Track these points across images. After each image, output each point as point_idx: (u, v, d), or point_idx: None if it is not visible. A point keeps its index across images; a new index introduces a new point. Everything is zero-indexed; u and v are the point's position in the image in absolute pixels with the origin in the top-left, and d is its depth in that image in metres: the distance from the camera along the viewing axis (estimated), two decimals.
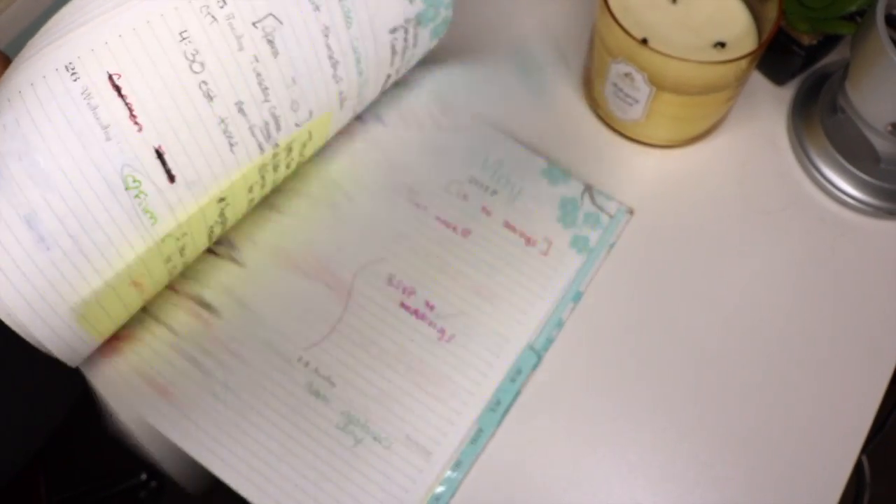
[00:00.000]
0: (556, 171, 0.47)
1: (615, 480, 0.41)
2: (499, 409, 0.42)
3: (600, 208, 0.46)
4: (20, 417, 0.55)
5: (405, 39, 0.43)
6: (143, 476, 0.79)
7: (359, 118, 0.49)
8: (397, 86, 0.50)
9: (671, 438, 0.42)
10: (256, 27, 0.35)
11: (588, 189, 0.47)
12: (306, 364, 0.42)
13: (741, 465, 0.41)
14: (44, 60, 0.32)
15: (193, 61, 0.34)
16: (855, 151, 0.46)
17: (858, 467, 0.70)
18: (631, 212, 0.47)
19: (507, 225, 0.46)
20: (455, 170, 0.47)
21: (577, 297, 0.45)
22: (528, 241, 0.45)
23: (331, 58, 0.38)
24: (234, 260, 0.45)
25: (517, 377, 0.43)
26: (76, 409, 0.45)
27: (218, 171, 0.37)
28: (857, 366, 0.43)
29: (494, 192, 0.47)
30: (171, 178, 0.35)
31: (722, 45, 0.44)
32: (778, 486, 0.41)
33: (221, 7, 0.34)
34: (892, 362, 0.43)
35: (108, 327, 0.39)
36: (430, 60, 0.51)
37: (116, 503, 0.80)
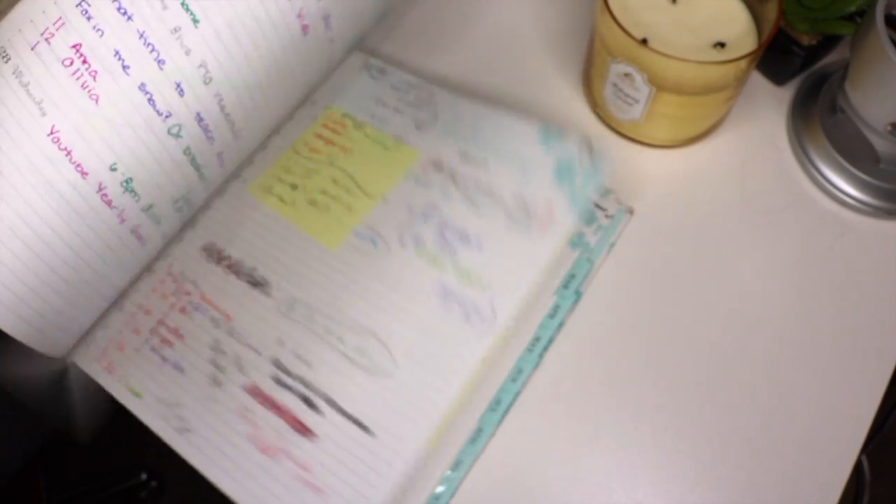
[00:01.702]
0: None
1: (615, 480, 0.41)
2: (499, 408, 0.42)
3: (598, 206, 0.46)
4: (20, 418, 0.55)
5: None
6: (144, 476, 0.79)
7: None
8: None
9: (671, 438, 0.42)
10: None
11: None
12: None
13: (741, 465, 0.41)
14: None
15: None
16: (855, 151, 0.46)
17: (858, 467, 0.70)
18: (631, 211, 0.47)
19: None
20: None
21: (578, 297, 0.45)
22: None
23: None
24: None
25: (518, 377, 0.42)
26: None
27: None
28: (856, 366, 0.43)
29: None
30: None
31: (722, 45, 0.44)
32: (778, 485, 0.41)
33: None
34: (891, 362, 0.43)
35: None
36: (428, 61, 0.51)
37: (117, 503, 0.80)
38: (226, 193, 0.46)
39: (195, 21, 0.36)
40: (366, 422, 0.40)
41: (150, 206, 0.39)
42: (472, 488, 0.41)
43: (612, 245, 0.46)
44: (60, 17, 0.33)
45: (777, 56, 0.48)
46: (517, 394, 0.42)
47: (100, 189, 0.36)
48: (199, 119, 0.39)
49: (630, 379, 0.43)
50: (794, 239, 0.46)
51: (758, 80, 0.51)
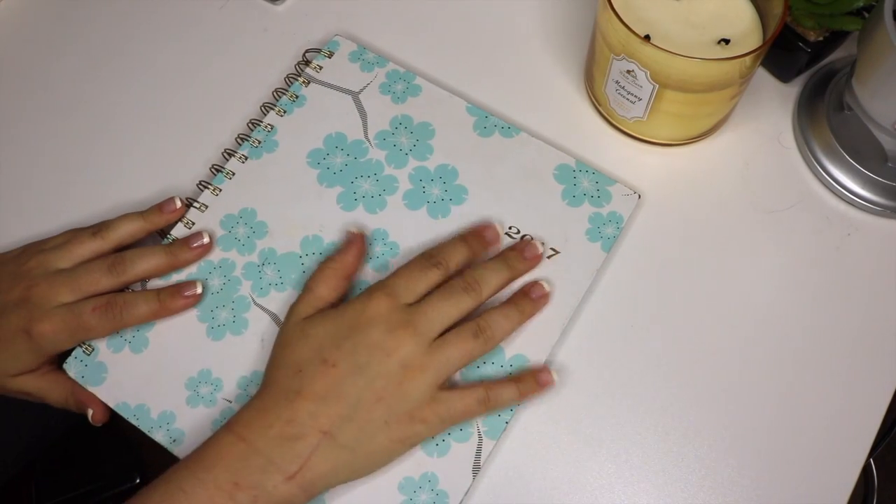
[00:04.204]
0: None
1: (618, 483, 0.40)
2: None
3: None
4: (18, 429, 0.55)
5: None
6: (138, 479, 0.79)
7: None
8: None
9: (675, 442, 0.41)
10: None
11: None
12: None
13: (746, 468, 0.40)
14: None
15: None
16: (862, 149, 0.46)
17: (866, 471, 0.70)
18: (638, 195, 0.46)
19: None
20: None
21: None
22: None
23: None
24: None
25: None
26: (71, 417, 0.44)
27: None
28: (864, 368, 0.42)
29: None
30: None
31: (726, 41, 0.43)
32: (784, 490, 0.40)
33: None
34: None
35: None
36: (429, 60, 0.51)
37: None
38: None
39: None
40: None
41: None
42: (475, 491, 0.40)
43: (615, 245, 0.45)
44: None
45: (783, 53, 0.48)
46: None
47: None
48: None
49: (633, 381, 0.42)
50: (800, 238, 0.46)
51: (763, 77, 0.50)
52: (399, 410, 0.37)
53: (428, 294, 0.40)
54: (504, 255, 0.42)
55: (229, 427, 0.37)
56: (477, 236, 0.43)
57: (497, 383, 0.40)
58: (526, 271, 0.43)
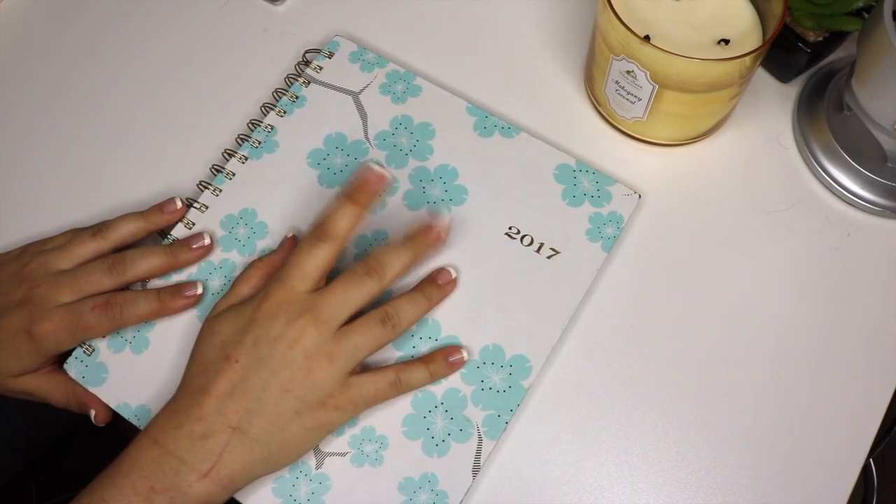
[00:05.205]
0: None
1: (617, 484, 0.40)
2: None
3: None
4: (14, 427, 0.55)
5: None
6: None
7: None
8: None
9: (674, 442, 0.41)
10: None
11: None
12: None
13: (745, 468, 0.40)
14: None
15: None
16: (861, 150, 0.46)
17: (866, 471, 0.70)
18: (639, 195, 0.46)
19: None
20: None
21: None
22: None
23: None
24: None
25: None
26: (71, 416, 0.44)
27: None
28: (863, 368, 0.42)
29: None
30: None
31: (726, 41, 0.43)
32: (783, 490, 0.40)
33: None
34: None
35: None
36: (429, 61, 0.51)
37: None
38: None
39: None
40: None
41: None
42: (474, 491, 0.40)
43: (614, 244, 0.45)
44: None
45: (782, 53, 0.48)
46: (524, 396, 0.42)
47: None
48: None
49: (633, 381, 0.42)
50: (800, 238, 0.46)
51: (763, 78, 0.50)
52: (310, 399, 0.37)
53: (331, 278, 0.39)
54: (408, 237, 0.41)
55: (146, 431, 0.37)
56: (360, 189, 0.39)
57: (408, 364, 0.40)
58: (428, 251, 0.42)
